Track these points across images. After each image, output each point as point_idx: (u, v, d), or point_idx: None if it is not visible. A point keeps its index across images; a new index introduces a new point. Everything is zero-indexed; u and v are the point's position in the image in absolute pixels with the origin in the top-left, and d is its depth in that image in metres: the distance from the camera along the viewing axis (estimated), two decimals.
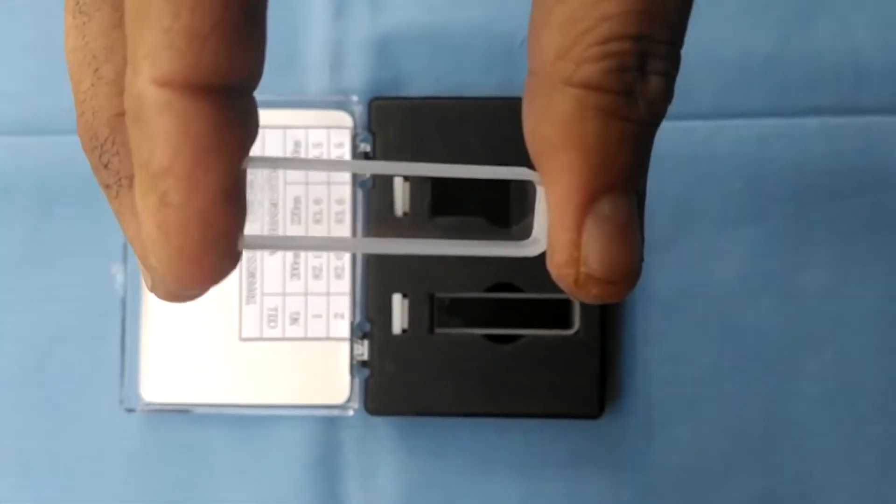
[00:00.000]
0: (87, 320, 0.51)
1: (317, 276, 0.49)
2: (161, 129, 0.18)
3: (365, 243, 0.22)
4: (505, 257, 0.22)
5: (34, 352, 0.52)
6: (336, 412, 0.49)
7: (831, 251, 0.50)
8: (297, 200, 0.49)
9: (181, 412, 0.50)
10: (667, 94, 0.20)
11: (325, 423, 0.50)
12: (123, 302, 0.50)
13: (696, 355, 0.50)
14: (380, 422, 0.50)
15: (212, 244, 0.19)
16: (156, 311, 0.50)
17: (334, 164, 0.23)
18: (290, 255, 0.49)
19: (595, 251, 0.20)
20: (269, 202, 0.49)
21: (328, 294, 0.49)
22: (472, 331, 0.48)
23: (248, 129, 0.20)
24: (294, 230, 0.49)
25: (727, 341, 0.50)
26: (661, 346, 0.50)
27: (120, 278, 0.50)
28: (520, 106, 0.49)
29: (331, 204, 0.49)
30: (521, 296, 0.49)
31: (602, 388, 0.48)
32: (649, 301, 0.50)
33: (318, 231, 0.49)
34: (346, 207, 0.49)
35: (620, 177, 0.20)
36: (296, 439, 0.50)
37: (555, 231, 0.20)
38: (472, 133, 0.48)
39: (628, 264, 0.21)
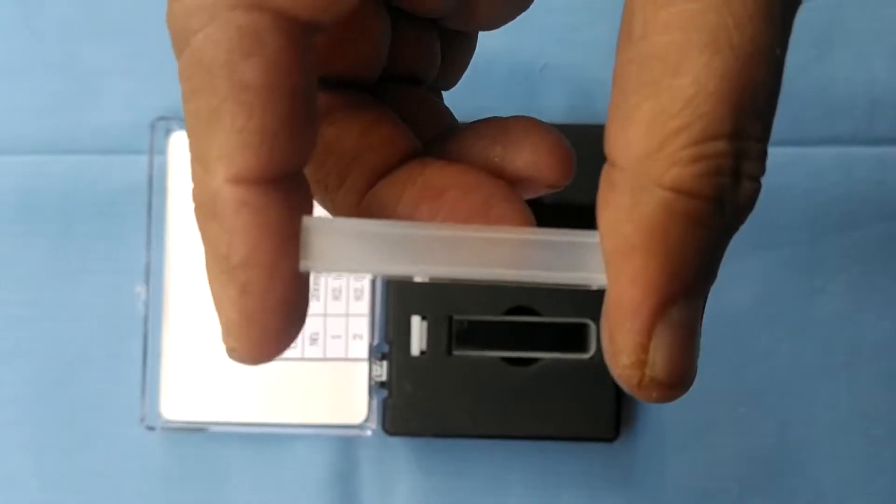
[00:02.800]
0: (109, 338, 0.52)
1: (336, 298, 0.50)
2: (241, 225, 0.19)
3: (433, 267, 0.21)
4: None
5: (56, 369, 0.52)
6: (354, 432, 0.50)
7: (845, 278, 0.51)
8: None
9: (201, 430, 0.50)
10: (755, 200, 0.19)
11: (343, 442, 0.51)
12: (145, 321, 0.50)
13: (711, 380, 0.51)
14: (397, 442, 0.51)
15: (290, 321, 0.20)
16: (176, 331, 0.50)
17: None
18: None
19: (662, 356, 0.20)
20: None
21: (347, 315, 0.50)
22: (490, 353, 0.49)
23: (308, 203, 0.21)
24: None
25: (742, 366, 0.51)
26: None
27: (143, 298, 0.51)
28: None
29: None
30: (539, 319, 0.49)
31: (618, 412, 0.49)
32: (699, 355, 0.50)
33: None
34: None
35: (695, 284, 0.19)
36: (314, 458, 0.51)
37: (623, 333, 0.20)
38: None
39: (691, 369, 0.20)
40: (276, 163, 0.19)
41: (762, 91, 0.18)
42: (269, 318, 0.20)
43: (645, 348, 0.20)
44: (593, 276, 0.21)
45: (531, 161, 0.23)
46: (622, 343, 0.20)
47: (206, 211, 0.19)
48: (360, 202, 0.23)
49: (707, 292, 0.20)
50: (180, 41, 0.19)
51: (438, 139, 0.25)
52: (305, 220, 0.20)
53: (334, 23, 0.20)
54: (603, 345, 0.20)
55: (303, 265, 0.20)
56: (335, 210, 0.24)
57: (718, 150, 0.18)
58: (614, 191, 0.19)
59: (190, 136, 0.19)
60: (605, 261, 0.20)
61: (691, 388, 0.50)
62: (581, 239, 0.21)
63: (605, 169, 0.20)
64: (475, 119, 0.26)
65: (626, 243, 0.19)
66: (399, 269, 0.21)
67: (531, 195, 0.24)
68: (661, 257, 0.19)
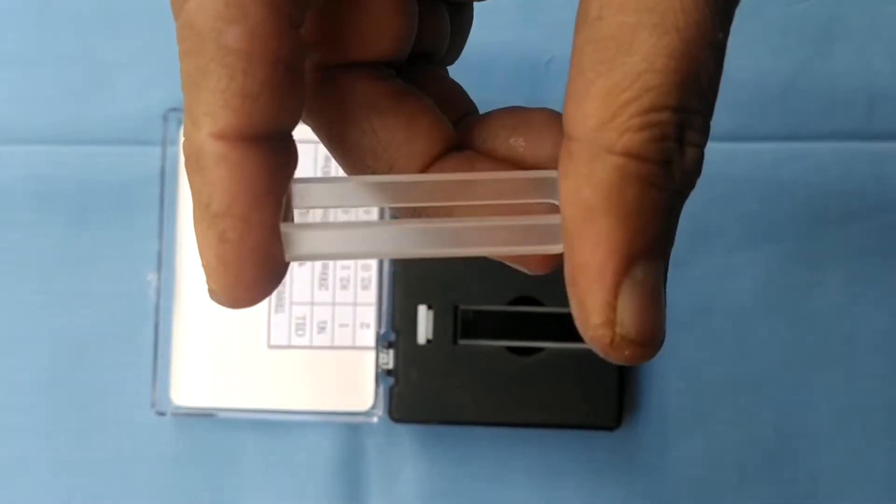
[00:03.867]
0: (120, 325, 0.53)
1: (344, 287, 0.51)
2: (220, 177, 0.21)
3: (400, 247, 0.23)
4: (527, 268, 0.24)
5: (68, 355, 0.53)
6: (360, 419, 0.51)
7: (844, 272, 0.52)
8: (325, 265, 0.51)
9: (210, 416, 0.51)
10: (700, 166, 0.21)
11: (350, 429, 0.52)
12: (156, 308, 0.51)
13: (711, 370, 0.51)
14: (403, 429, 0.51)
15: (265, 270, 0.22)
16: (187, 318, 0.51)
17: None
18: (318, 265, 0.51)
19: (630, 313, 0.21)
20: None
21: (355, 304, 0.51)
22: (495, 342, 0.50)
23: (290, 166, 0.22)
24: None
25: (741, 357, 0.51)
26: (677, 360, 0.51)
27: (154, 285, 0.51)
28: None
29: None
30: (543, 309, 0.50)
31: (620, 401, 0.50)
32: (666, 317, 0.51)
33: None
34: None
35: (654, 243, 0.21)
36: (321, 445, 0.52)
37: (592, 293, 0.21)
38: None
39: (658, 327, 0.22)
40: (256, 123, 0.21)
41: (704, 70, 0.20)
42: (244, 265, 0.21)
43: (613, 307, 0.21)
44: (551, 247, 0.23)
45: (554, 154, 0.24)
46: (591, 304, 0.21)
47: (192, 163, 0.21)
48: None
49: (667, 256, 0.22)
50: (176, 7, 0.21)
51: (462, 123, 0.26)
52: (283, 226, 0.22)
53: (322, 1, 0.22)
54: (573, 312, 0.21)
55: (287, 256, 0.22)
56: None
57: (664, 119, 0.20)
58: (572, 160, 0.21)
59: (183, 93, 0.21)
60: (567, 229, 0.21)
61: (694, 379, 0.51)
62: (541, 222, 0.23)
63: (564, 143, 0.21)
64: (487, 109, 0.27)
65: (586, 207, 0.20)
66: (377, 253, 0.23)
67: None
68: (620, 217, 0.20)
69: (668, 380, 0.51)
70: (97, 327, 0.53)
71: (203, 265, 0.22)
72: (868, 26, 0.52)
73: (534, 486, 0.51)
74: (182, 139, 0.21)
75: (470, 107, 0.27)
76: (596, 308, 0.21)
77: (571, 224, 0.21)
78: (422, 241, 0.23)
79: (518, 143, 0.25)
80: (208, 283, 0.22)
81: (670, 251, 0.22)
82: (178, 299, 0.51)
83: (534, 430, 0.51)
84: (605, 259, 0.20)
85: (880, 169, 0.51)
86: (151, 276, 0.52)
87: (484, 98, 0.54)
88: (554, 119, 0.25)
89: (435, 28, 0.27)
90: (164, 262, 0.51)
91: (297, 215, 0.23)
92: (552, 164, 0.24)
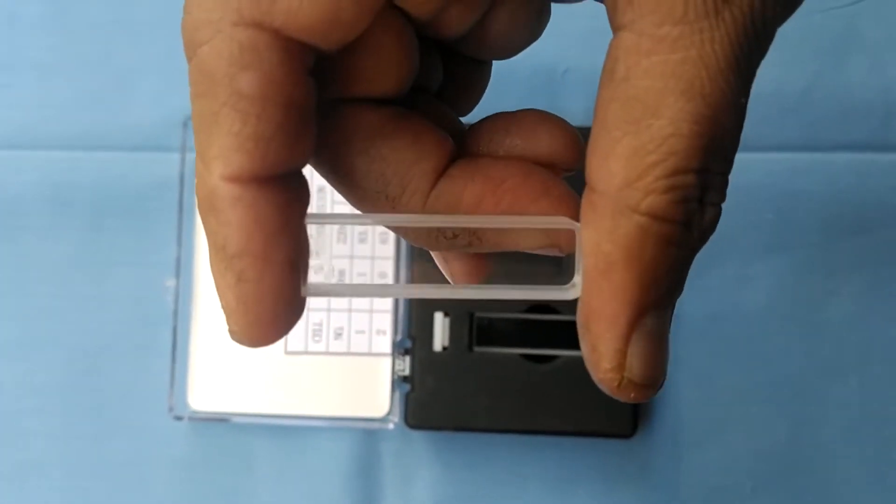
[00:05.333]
0: (137, 330, 0.53)
1: None
2: (235, 218, 0.21)
3: (412, 289, 0.24)
4: (545, 285, 0.24)
5: (85, 359, 0.53)
6: (376, 425, 0.51)
7: (858, 282, 0.52)
8: (341, 272, 0.51)
9: (227, 421, 0.52)
10: (716, 223, 0.22)
11: (365, 435, 0.52)
12: (174, 313, 0.52)
13: (726, 379, 0.52)
14: (418, 435, 0.52)
15: (284, 307, 0.22)
16: (205, 323, 0.51)
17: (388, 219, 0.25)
18: (335, 271, 0.51)
19: (638, 360, 0.22)
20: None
21: (371, 311, 0.51)
22: (510, 350, 0.50)
23: (304, 200, 0.22)
24: (339, 249, 0.51)
25: (755, 366, 0.52)
26: (691, 369, 0.51)
27: (172, 290, 0.52)
28: None
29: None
30: (558, 317, 0.50)
31: (635, 409, 0.50)
32: (681, 325, 0.51)
33: (362, 250, 0.51)
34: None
35: (665, 296, 0.22)
36: (336, 450, 0.52)
37: (604, 340, 0.22)
38: None
39: (662, 371, 0.23)
40: (269, 165, 0.21)
41: (727, 134, 0.21)
42: (264, 304, 0.21)
43: (623, 354, 0.22)
44: (567, 291, 0.23)
45: (552, 148, 0.25)
46: (603, 350, 0.22)
47: (206, 205, 0.21)
48: (426, 203, 0.25)
49: (674, 304, 0.22)
50: (189, 50, 0.21)
51: (456, 138, 0.26)
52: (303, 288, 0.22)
53: (337, 49, 0.22)
54: (584, 353, 0.22)
55: (303, 290, 0.22)
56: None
57: (687, 182, 0.21)
58: (595, 213, 0.21)
59: (194, 135, 0.21)
60: (586, 277, 0.22)
61: (709, 387, 0.51)
62: (558, 295, 0.24)
63: (586, 193, 0.22)
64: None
65: (606, 260, 0.21)
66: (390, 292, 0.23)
67: None
68: (637, 272, 0.21)
69: (682, 388, 0.51)
70: (115, 332, 0.53)
71: (222, 307, 0.22)
72: (883, 38, 0.52)
73: (548, 494, 0.51)
74: (195, 181, 0.21)
75: (459, 126, 0.27)
76: (607, 354, 0.22)
77: (589, 272, 0.22)
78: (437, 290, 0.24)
79: (515, 143, 0.25)
80: (229, 324, 0.22)
81: (678, 299, 0.22)
82: (196, 304, 0.52)
83: (548, 438, 0.51)
84: (620, 310, 0.21)
85: (895, 180, 0.52)
86: (170, 282, 0.52)
87: (501, 108, 0.55)
88: (542, 117, 0.25)
89: (428, 67, 0.27)
90: (182, 267, 0.52)
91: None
92: (551, 156, 0.25)
